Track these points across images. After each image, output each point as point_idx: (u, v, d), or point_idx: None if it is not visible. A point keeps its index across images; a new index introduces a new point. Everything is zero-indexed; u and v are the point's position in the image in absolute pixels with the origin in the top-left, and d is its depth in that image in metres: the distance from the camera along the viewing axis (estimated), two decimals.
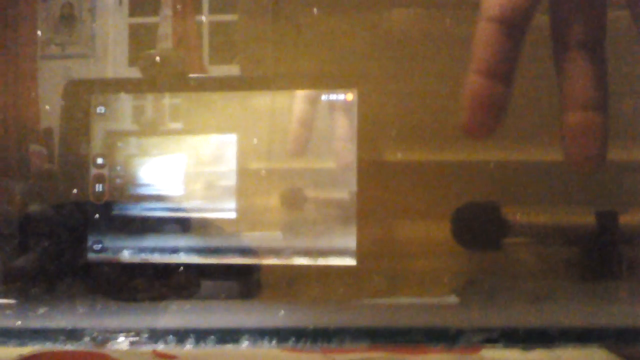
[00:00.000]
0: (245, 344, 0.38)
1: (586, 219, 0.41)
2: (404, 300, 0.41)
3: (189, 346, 0.38)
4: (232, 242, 0.42)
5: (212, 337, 0.38)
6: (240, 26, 0.47)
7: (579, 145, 0.31)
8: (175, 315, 0.41)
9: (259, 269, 0.42)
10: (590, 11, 0.31)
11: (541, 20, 0.34)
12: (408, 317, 0.39)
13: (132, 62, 0.49)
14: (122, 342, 0.38)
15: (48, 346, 0.39)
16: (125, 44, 0.51)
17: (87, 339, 0.39)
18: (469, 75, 0.31)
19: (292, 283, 0.42)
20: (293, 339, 0.37)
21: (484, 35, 0.31)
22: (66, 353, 0.39)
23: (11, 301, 0.42)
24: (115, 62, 0.52)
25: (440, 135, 0.42)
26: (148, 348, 0.38)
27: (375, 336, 0.37)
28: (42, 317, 0.41)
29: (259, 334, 0.38)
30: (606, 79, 0.31)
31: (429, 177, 0.42)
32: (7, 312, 0.41)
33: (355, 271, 0.41)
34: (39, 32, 0.51)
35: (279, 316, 0.39)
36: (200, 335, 0.38)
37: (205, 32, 0.50)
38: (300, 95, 0.42)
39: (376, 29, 0.44)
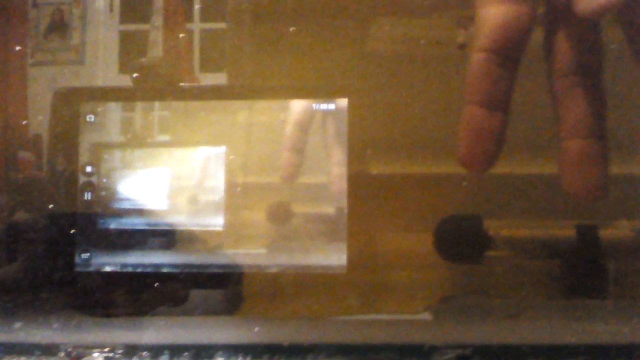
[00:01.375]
0: None
1: (567, 232, 0.41)
2: (379, 317, 0.41)
3: None
4: (220, 257, 0.42)
5: (187, 353, 0.38)
6: (230, 35, 0.47)
7: (579, 174, 0.30)
8: (150, 331, 0.41)
9: (243, 280, 0.42)
10: (585, 38, 0.30)
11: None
12: (382, 334, 0.39)
13: (123, 69, 0.49)
14: (97, 358, 0.39)
15: None
16: (116, 52, 0.51)
17: (62, 354, 0.39)
18: (465, 106, 0.30)
19: (275, 296, 0.42)
20: (268, 355, 0.38)
21: (478, 66, 0.30)
22: None
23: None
24: (106, 70, 0.52)
25: (431, 146, 0.42)
26: None
27: (350, 353, 0.37)
28: (18, 332, 0.41)
29: (234, 350, 0.38)
30: (604, 105, 0.30)
31: (416, 189, 0.42)
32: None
33: (339, 283, 0.41)
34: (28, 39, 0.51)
35: (254, 332, 0.39)
36: (175, 351, 0.38)
37: (196, 40, 0.50)
38: (292, 110, 0.42)
39: (366, 39, 0.44)
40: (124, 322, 0.42)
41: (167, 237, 0.42)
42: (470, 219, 0.41)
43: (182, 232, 0.42)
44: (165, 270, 0.42)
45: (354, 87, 0.41)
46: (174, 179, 0.43)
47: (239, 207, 0.42)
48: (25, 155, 0.47)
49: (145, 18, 0.50)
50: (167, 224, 0.42)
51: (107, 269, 0.42)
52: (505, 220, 0.42)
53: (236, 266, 0.41)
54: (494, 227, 0.41)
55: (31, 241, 0.43)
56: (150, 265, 0.42)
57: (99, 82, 0.52)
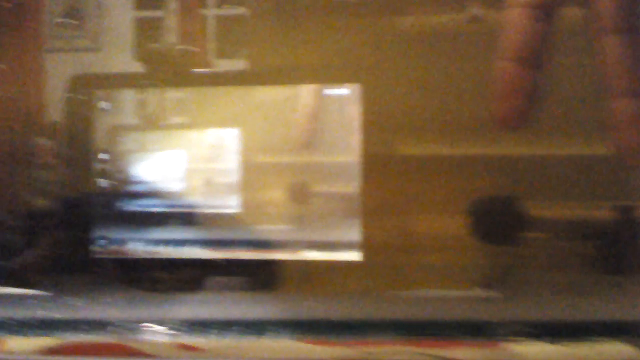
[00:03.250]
0: (270, 335, 0.38)
1: (612, 213, 0.40)
2: (433, 292, 0.40)
3: (213, 337, 0.38)
4: (237, 236, 0.42)
5: (235, 327, 0.38)
6: (246, 20, 0.47)
7: (627, 133, 0.30)
8: (201, 305, 0.41)
9: (267, 263, 0.41)
10: None
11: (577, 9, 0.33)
12: (444, 310, 0.39)
13: (138, 56, 0.49)
14: (147, 333, 0.39)
15: (76, 337, 0.39)
16: (131, 38, 0.51)
17: (114, 329, 0.39)
18: (500, 62, 0.30)
19: (307, 277, 0.42)
20: (319, 331, 0.37)
21: (514, 21, 0.30)
22: (89, 344, 0.39)
23: (42, 292, 0.42)
24: (121, 56, 0.51)
25: (444, 128, 0.41)
26: (174, 339, 0.38)
27: (412, 329, 0.37)
28: (72, 309, 0.41)
29: (286, 325, 0.38)
30: None
31: (433, 171, 0.41)
32: (37, 303, 0.41)
33: (362, 266, 0.41)
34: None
35: (305, 308, 0.39)
36: (226, 326, 0.38)
37: (211, 26, 0.50)
38: (305, 89, 0.42)
39: (382, 23, 0.44)
40: (176, 297, 0.41)
41: (181, 220, 0.42)
42: (505, 200, 0.40)
43: (197, 214, 0.42)
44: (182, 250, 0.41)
45: (368, 71, 0.41)
46: (187, 162, 0.43)
47: (254, 187, 0.42)
48: (41, 142, 0.47)
49: (160, 4, 0.50)
50: (182, 207, 0.42)
51: (124, 254, 0.42)
52: (543, 201, 0.41)
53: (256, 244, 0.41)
54: (532, 208, 0.40)
55: (51, 226, 0.44)
56: (167, 244, 0.42)
57: (115, 69, 0.51)
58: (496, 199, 0.40)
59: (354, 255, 0.40)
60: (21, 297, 0.42)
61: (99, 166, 0.43)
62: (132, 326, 0.39)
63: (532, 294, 0.39)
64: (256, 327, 0.38)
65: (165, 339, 0.38)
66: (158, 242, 0.42)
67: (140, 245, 0.42)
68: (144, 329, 0.39)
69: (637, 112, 0.29)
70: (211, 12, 0.50)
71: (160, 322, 0.39)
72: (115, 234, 0.43)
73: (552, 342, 0.36)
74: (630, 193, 0.39)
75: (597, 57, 0.30)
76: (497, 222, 0.40)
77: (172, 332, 0.38)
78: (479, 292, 0.40)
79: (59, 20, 0.51)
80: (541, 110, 0.37)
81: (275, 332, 0.38)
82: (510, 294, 0.40)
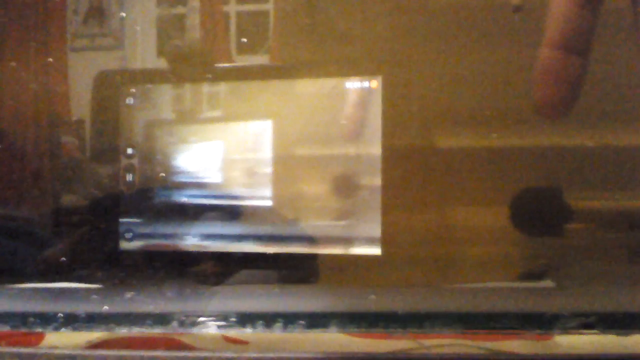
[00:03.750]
0: (333, 328, 0.38)
1: None
2: (498, 284, 0.40)
3: (259, 331, 0.38)
4: (267, 230, 0.42)
5: (301, 321, 0.38)
6: (271, 15, 0.47)
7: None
8: (263, 299, 0.40)
9: (314, 256, 0.42)
10: None
11: None
12: (502, 302, 0.39)
13: (161, 52, 0.49)
14: (210, 326, 0.39)
15: (135, 330, 0.39)
16: (154, 35, 0.51)
17: (174, 323, 0.39)
18: (542, 49, 0.29)
19: (354, 271, 0.42)
20: (382, 323, 0.37)
21: (558, 6, 0.29)
22: (133, 338, 0.39)
23: (98, 286, 0.42)
24: (144, 53, 0.52)
25: (465, 122, 0.41)
26: (236, 332, 0.38)
27: (468, 321, 0.37)
28: (130, 302, 0.41)
29: (349, 318, 0.38)
30: None
31: (457, 164, 0.41)
32: (94, 296, 0.42)
33: (381, 260, 0.41)
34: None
35: (369, 300, 0.39)
36: (289, 319, 0.38)
37: (233, 22, 0.50)
38: (353, 82, 0.42)
39: (406, 14, 0.44)
40: (236, 290, 0.41)
41: (210, 216, 0.43)
42: (548, 191, 0.40)
43: (223, 207, 0.42)
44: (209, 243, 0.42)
45: (388, 65, 0.41)
46: (216, 155, 0.43)
47: (288, 179, 0.42)
48: (68, 139, 0.48)
49: (182, 1, 0.51)
50: (211, 202, 0.43)
51: (152, 248, 0.43)
52: (585, 192, 0.41)
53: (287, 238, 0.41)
54: (575, 198, 0.40)
55: (80, 221, 0.44)
56: (198, 237, 0.42)
57: (138, 66, 0.52)
58: (547, 190, 0.40)
59: (401, 248, 0.41)
60: (66, 291, 0.43)
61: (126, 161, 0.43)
62: (180, 319, 0.39)
63: (584, 285, 0.39)
64: (322, 320, 0.38)
65: (212, 332, 0.38)
66: (201, 235, 0.43)
67: (185, 238, 0.43)
68: (192, 321, 0.39)
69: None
70: (232, 9, 0.50)
71: (208, 315, 0.39)
72: (160, 227, 0.43)
73: (608, 332, 0.36)
74: None
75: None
76: (548, 214, 0.40)
77: (219, 324, 0.38)
78: (532, 284, 0.40)
79: (83, 19, 0.52)
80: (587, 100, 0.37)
81: (323, 325, 0.38)
82: (563, 286, 0.39)
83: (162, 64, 0.47)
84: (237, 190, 0.42)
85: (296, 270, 0.42)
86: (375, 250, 0.40)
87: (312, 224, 0.41)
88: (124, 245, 0.43)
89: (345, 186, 0.41)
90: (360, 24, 0.43)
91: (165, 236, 0.43)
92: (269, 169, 0.42)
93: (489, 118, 0.40)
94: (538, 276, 0.40)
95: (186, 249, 0.42)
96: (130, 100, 0.43)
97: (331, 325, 0.38)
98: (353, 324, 0.37)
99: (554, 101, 0.29)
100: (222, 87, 0.43)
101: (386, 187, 0.40)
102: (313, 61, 0.43)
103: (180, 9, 0.51)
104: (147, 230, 0.43)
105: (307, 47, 0.44)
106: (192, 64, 0.44)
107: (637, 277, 0.39)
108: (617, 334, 0.35)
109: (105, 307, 0.40)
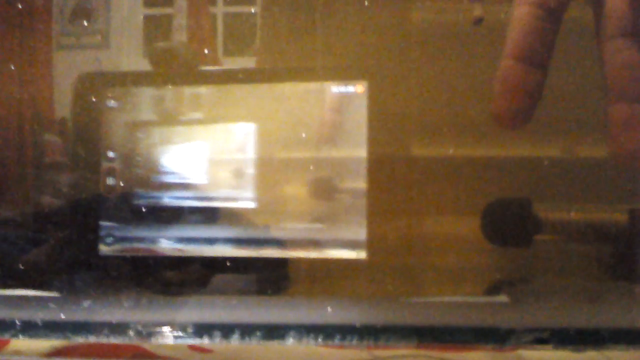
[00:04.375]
0: (290, 340, 0.38)
1: (624, 216, 0.40)
2: (453, 299, 0.40)
3: (234, 341, 0.38)
4: (249, 233, 0.42)
5: (258, 332, 0.38)
6: (256, 18, 0.46)
7: (624, 139, 0.30)
8: (221, 309, 0.41)
9: (280, 261, 0.41)
10: None
11: (581, 10, 0.33)
12: (457, 316, 0.39)
13: (145, 54, 0.49)
14: (167, 336, 0.39)
15: (91, 339, 0.39)
16: (140, 35, 0.51)
17: (131, 332, 0.39)
18: (503, 60, 0.30)
19: (325, 277, 0.42)
20: (339, 336, 0.37)
21: (521, 20, 0.30)
22: (97, 345, 0.39)
23: (55, 294, 0.42)
24: (130, 54, 0.51)
25: (451, 129, 0.41)
26: (192, 342, 0.38)
27: (423, 335, 0.37)
28: (87, 310, 0.41)
29: (305, 330, 0.38)
30: None
31: (441, 171, 0.41)
32: (51, 305, 0.41)
33: (366, 266, 0.40)
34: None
35: (326, 313, 0.39)
36: (246, 330, 0.38)
37: (220, 23, 0.50)
38: (332, 85, 0.41)
39: (390, 20, 0.43)
40: (195, 301, 0.41)
41: (192, 223, 0.42)
42: (518, 202, 0.40)
43: (205, 210, 0.42)
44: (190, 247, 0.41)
45: (374, 70, 0.41)
46: (199, 159, 0.42)
47: (271, 182, 0.42)
48: (52, 138, 0.47)
49: (169, 2, 0.50)
50: (192, 207, 0.42)
51: (131, 253, 0.42)
52: (550, 203, 0.41)
53: (269, 241, 0.41)
54: (545, 210, 0.40)
55: (58, 225, 0.44)
56: (177, 241, 0.42)
57: (124, 65, 0.51)
58: (508, 201, 0.40)
59: (360, 256, 0.40)
60: (27, 299, 0.42)
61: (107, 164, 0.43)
62: (137, 328, 0.39)
63: (539, 301, 0.39)
64: (279, 332, 0.38)
65: (175, 341, 0.38)
66: (184, 239, 0.42)
67: (149, 243, 0.42)
68: (154, 330, 0.39)
69: (633, 116, 0.29)
70: (219, 10, 0.50)
71: (170, 324, 0.39)
72: (123, 232, 0.42)
73: (562, 348, 0.36)
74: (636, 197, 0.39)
75: (601, 59, 0.30)
76: (507, 226, 0.40)
77: (176, 335, 0.38)
78: (486, 298, 0.40)
79: (69, 17, 0.51)
80: (556, 112, 0.37)
81: (280, 337, 0.38)
82: (518, 301, 0.39)
83: (146, 64, 0.46)
84: (221, 194, 0.42)
85: (273, 275, 0.42)
86: (357, 255, 0.40)
87: (295, 227, 0.41)
88: (104, 249, 0.42)
89: (327, 190, 0.41)
90: (345, 28, 0.43)
91: (146, 240, 0.42)
92: (253, 173, 0.42)
93: (475, 125, 0.40)
94: (493, 291, 0.40)
95: (168, 253, 0.42)
96: (111, 103, 0.43)
97: (288, 337, 0.38)
98: (311, 335, 0.38)
99: (512, 112, 0.30)
100: (206, 90, 0.42)
101: (371, 192, 0.40)
102: (299, 65, 0.43)
103: (167, 10, 0.50)
104: (128, 234, 0.42)
105: (293, 50, 0.44)
106: (175, 66, 0.43)
107: (592, 294, 0.39)
108: (571, 350, 0.36)
109: (62, 316, 0.40)
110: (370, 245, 0.40)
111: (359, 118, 0.41)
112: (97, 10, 0.52)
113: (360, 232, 0.40)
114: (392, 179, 0.41)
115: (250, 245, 0.41)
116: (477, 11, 0.40)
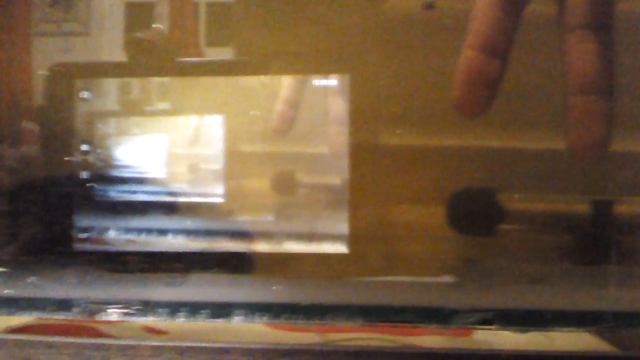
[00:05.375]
0: (237, 318, 0.38)
1: (581, 206, 0.40)
2: (399, 278, 0.40)
3: (180, 319, 0.38)
4: (221, 226, 0.41)
5: (204, 311, 0.38)
6: (234, 9, 0.45)
7: (582, 130, 0.30)
8: (167, 288, 0.40)
9: (248, 256, 0.41)
10: None
11: (544, 3, 0.33)
12: (403, 296, 0.39)
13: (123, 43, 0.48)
14: (112, 314, 0.38)
15: (36, 315, 0.39)
16: (122, 24, 0.50)
17: (76, 309, 0.39)
18: (463, 49, 0.31)
19: (284, 268, 0.41)
20: (286, 314, 0.38)
21: (481, 10, 0.31)
22: (56, 325, 0.39)
23: (2, 269, 0.42)
24: (111, 41, 0.50)
25: (434, 120, 0.41)
26: (138, 320, 0.39)
27: (369, 314, 0.37)
28: (31, 286, 0.40)
29: (252, 308, 0.38)
30: (612, 63, 0.30)
31: (423, 162, 0.41)
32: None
33: (347, 256, 0.40)
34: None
35: (272, 291, 0.39)
36: (192, 308, 0.38)
37: (202, 13, 0.49)
38: (290, 77, 0.41)
39: (371, 11, 0.42)
40: (140, 278, 0.41)
41: (165, 216, 0.41)
42: (482, 192, 0.40)
43: (181, 203, 0.41)
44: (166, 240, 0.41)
45: (356, 61, 0.41)
46: (177, 151, 0.42)
47: (239, 175, 0.41)
48: (29, 126, 0.46)
49: None
50: (166, 202, 0.42)
51: (105, 248, 0.41)
52: (514, 193, 0.41)
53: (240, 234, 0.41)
54: (506, 199, 0.40)
55: (31, 216, 0.43)
56: (149, 234, 0.41)
57: (104, 54, 0.50)
58: (464, 190, 0.40)
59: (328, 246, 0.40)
60: None
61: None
62: (81, 305, 0.39)
63: (499, 283, 0.39)
64: (225, 310, 0.38)
65: (119, 318, 0.38)
66: (133, 233, 0.42)
67: (111, 236, 0.42)
68: (93, 309, 0.39)
69: (590, 108, 0.30)
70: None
71: (115, 302, 0.39)
72: (116, 226, 0.42)
73: (506, 328, 0.36)
74: (594, 186, 0.39)
75: (561, 51, 0.31)
76: (466, 212, 0.40)
77: (122, 312, 0.38)
78: (432, 278, 0.40)
79: (50, 2, 0.50)
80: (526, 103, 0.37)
81: (241, 316, 0.38)
82: (477, 282, 0.40)
83: (123, 54, 0.45)
84: (200, 187, 0.42)
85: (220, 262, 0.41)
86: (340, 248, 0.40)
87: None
88: (77, 245, 0.41)
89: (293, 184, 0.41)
90: (326, 20, 0.42)
91: (121, 236, 0.41)
92: (233, 166, 0.41)
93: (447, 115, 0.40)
94: (452, 272, 0.40)
95: (144, 249, 0.42)
96: (85, 94, 0.42)
97: (233, 315, 0.38)
98: (267, 315, 0.38)
99: (471, 101, 0.31)
100: (184, 82, 0.41)
101: (354, 183, 0.40)
102: (279, 57, 0.42)
103: None
104: (102, 229, 0.41)
105: (272, 42, 0.43)
106: (152, 57, 0.42)
107: (547, 277, 0.39)
108: (515, 331, 0.36)
109: (8, 291, 0.40)
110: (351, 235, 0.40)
111: (340, 110, 0.40)
112: None
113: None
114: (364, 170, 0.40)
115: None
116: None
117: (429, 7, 0.40)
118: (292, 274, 0.41)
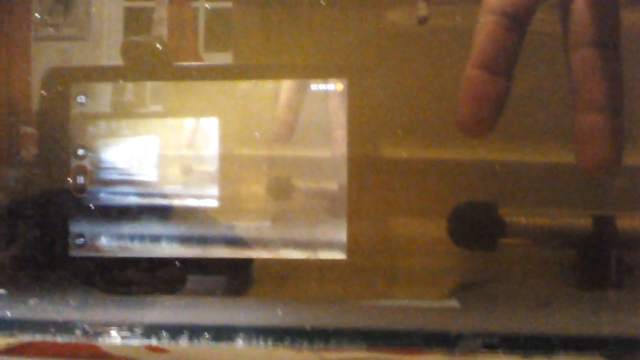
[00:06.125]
0: (240, 342, 0.37)
1: (586, 222, 0.39)
2: (403, 302, 0.40)
3: (182, 342, 0.38)
4: (218, 232, 0.41)
5: (207, 334, 0.38)
6: (233, 14, 0.45)
7: (592, 149, 0.30)
8: (170, 310, 0.40)
9: (247, 263, 0.41)
10: (605, 8, 0.30)
11: (549, 17, 0.32)
12: (407, 320, 0.39)
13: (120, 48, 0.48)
14: (114, 336, 0.38)
15: (38, 338, 0.38)
16: (121, 28, 0.50)
17: (78, 332, 0.38)
18: (467, 68, 0.30)
19: (283, 279, 0.41)
20: (289, 338, 0.37)
21: (485, 28, 0.30)
22: (56, 344, 0.38)
23: (1, 291, 0.41)
24: (110, 46, 0.50)
25: (434, 129, 0.40)
26: (140, 343, 0.38)
27: (373, 338, 0.37)
28: (33, 308, 0.40)
29: (255, 332, 0.38)
30: (621, 79, 0.30)
31: (421, 172, 0.41)
32: None
33: (345, 267, 0.40)
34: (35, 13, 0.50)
35: (276, 315, 0.39)
36: (195, 332, 0.38)
37: (201, 18, 0.49)
38: (289, 83, 0.41)
39: (370, 19, 0.42)
40: (142, 301, 0.41)
41: (164, 217, 0.41)
42: (484, 205, 0.40)
43: (178, 209, 0.41)
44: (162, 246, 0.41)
45: (354, 68, 0.40)
46: (174, 157, 0.41)
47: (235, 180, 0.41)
48: (27, 130, 0.46)
49: None
50: (162, 207, 0.41)
51: (103, 249, 0.41)
52: (517, 207, 0.40)
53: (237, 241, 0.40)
54: (509, 214, 0.40)
55: (26, 225, 0.42)
56: (145, 241, 0.41)
57: (103, 60, 0.50)
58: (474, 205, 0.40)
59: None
60: None
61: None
62: (83, 327, 0.39)
63: (488, 306, 0.39)
64: (228, 333, 0.38)
65: (122, 341, 0.38)
66: (130, 238, 0.41)
67: (108, 242, 0.41)
68: (96, 331, 0.38)
69: (601, 126, 0.30)
70: (201, 4, 0.48)
71: (118, 324, 0.39)
72: (113, 232, 0.41)
73: (512, 354, 0.36)
74: (599, 204, 0.39)
75: (568, 68, 0.31)
76: (465, 226, 0.40)
77: (124, 335, 0.38)
78: (437, 303, 0.40)
79: (49, 7, 0.50)
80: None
81: (244, 339, 0.38)
82: (468, 306, 0.39)
83: (120, 59, 0.45)
84: (198, 193, 0.41)
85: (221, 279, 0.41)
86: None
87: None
88: (74, 251, 0.41)
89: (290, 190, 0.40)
90: (325, 25, 0.42)
91: (118, 241, 0.41)
92: (230, 171, 0.41)
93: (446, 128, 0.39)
94: (450, 295, 0.40)
95: (141, 255, 0.41)
96: (82, 99, 0.41)
97: (237, 339, 0.38)
98: (260, 338, 0.37)
99: (476, 120, 0.30)
100: (181, 87, 0.41)
101: (351, 192, 0.40)
102: (277, 62, 0.42)
103: (149, 2, 0.49)
104: (98, 235, 0.41)
105: (270, 47, 0.42)
106: (149, 62, 0.42)
107: (543, 299, 0.39)
108: (520, 356, 0.36)
109: (7, 313, 0.39)
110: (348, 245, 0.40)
111: (338, 116, 0.39)
112: (78, 2, 0.51)
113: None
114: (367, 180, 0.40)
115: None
116: (421, 11, 0.40)
117: (423, 21, 0.40)
118: (289, 281, 0.41)
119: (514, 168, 0.40)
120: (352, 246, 0.40)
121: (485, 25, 0.30)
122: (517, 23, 0.30)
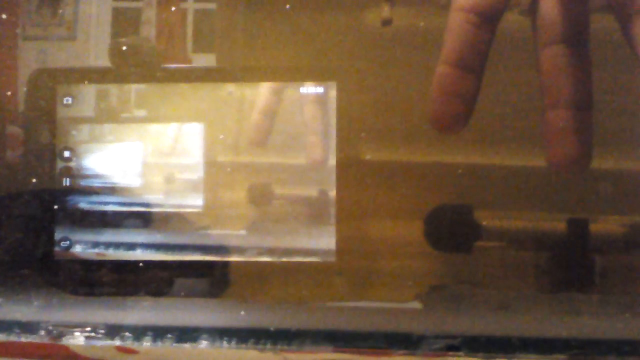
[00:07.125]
0: (204, 343, 0.38)
1: (557, 226, 0.40)
2: (367, 304, 0.40)
3: (146, 343, 0.38)
4: (201, 239, 0.41)
5: (170, 335, 0.38)
6: (219, 16, 0.45)
7: (561, 146, 0.30)
8: (133, 311, 0.40)
9: (226, 267, 0.41)
10: (574, 6, 0.30)
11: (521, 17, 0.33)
12: (370, 321, 0.39)
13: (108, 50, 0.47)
14: (78, 337, 0.38)
15: (1, 338, 0.38)
16: (108, 29, 0.49)
17: (42, 332, 0.38)
18: (438, 65, 0.31)
19: (260, 282, 0.41)
20: (253, 340, 0.37)
21: (455, 25, 0.30)
22: (25, 344, 0.38)
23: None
24: (98, 47, 0.50)
25: (422, 133, 0.41)
26: (104, 343, 0.38)
27: (337, 340, 0.37)
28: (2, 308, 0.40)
29: (219, 333, 0.38)
30: (590, 77, 0.30)
31: (408, 176, 0.41)
32: None
33: (326, 270, 0.40)
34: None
35: (240, 316, 0.39)
36: (158, 333, 0.38)
37: (190, 19, 0.48)
38: (266, 87, 0.41)
39: (358, 22, 0.42)
40: (107, 302, 0.41)
41: (146, 222, 0.41)
42: (460, 208, 0.40)
43: (162, 216, 0.41)
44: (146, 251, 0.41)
45: (342, 70, 0.40)
46: (153, 162, 0.41)
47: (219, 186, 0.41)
48: (14, 130, 0.46)
49: None
50: (148, 208, 0.41)
51: (87, 256, 0.41)
52: (496, 211, 0.41)
53: (219, 250, 0.40)
54: (485, 217, 0.40)
55: (11, 226, 0.42)
56: (127, 245, 0.41)
57: (90, 61, 0.50)
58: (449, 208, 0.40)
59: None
60: None
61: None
62: (47, 328, 0.39)
63: (450, 307, 0.39)
64: (192, 334, 0.38)
65: (86, 342, 0.38)
66: (144, 244, 0.41)
67: (126, 246, 0.41)
68: (60, 332, 0.38)
69: (570, 123, 0.30)
70: (190, 6, 0.48)
71: (81, 325, 0.39)
72: (98, 235, 0.42)
73: (473, 355, 0.36)
74: (569, 204, 0.39)
75: (538, 66, 0.31)
76: (438, 229, 0.40)
77: (87, 335, 0.38)
78: (399, 304, 0.40)
79: (36, 7, 0.50)
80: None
81: (208, 340, 0.38)
82: (430, 307, 0.40)
83: (107, 60, 0.44)
84: (183, 196, 0.41)
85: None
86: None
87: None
88: (59, 254, 0.40)
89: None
90: (314, 28, 0.42)
91: (103, 245, 0.40)
92: (221, 175, 0.41)
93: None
94: (417, 297, 0.40)
95: (126, 258, 0.41)
96: (68, 100, 0.41)
97: (200, 340, 0.38)
98: (224, 339, 0.38)
99: (447, 117, 0.30)
100: (168, 89, 0.41)
101: (340, 195, 0.40)
102: (266, 65, 0.42)
103: (136, 3, 0.48)
104: (84, 238, 0.40)
105: (258, 50, 0.42)
106: (135, 64, 0.41)
107: (504, 301, 0.39)
108: (482, 358, 0.36)
109: None
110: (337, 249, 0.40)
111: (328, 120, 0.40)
112: (65, 1, 0.50)
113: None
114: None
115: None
116: (385, 13, 0.40)
117: (387, 23, 0.40)
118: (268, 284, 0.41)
119: (494, 171, 0.40)
120: (340, 249, 0.40)
121: (455, 22, 0.30)
122: (486, 20, 0.30)
